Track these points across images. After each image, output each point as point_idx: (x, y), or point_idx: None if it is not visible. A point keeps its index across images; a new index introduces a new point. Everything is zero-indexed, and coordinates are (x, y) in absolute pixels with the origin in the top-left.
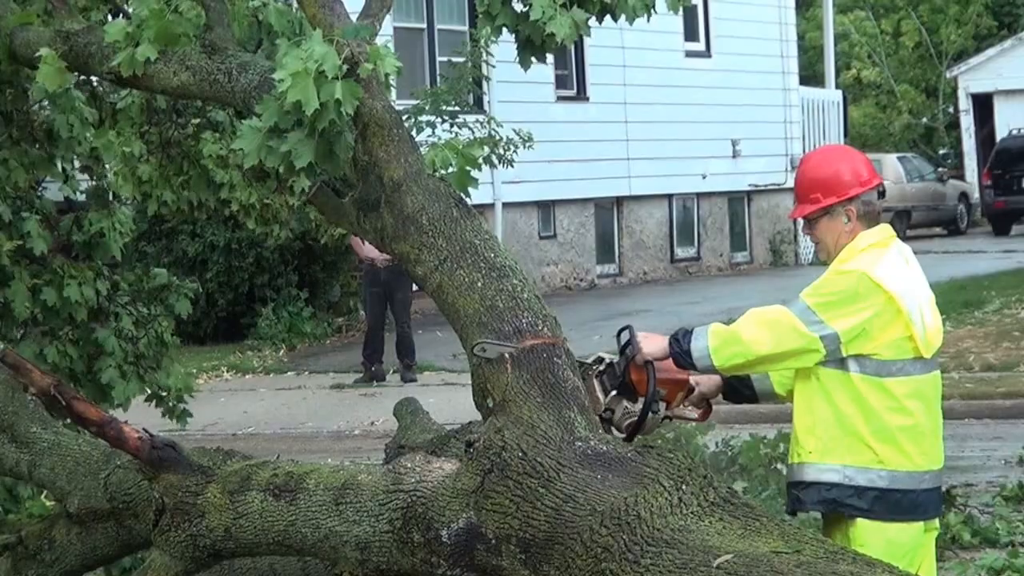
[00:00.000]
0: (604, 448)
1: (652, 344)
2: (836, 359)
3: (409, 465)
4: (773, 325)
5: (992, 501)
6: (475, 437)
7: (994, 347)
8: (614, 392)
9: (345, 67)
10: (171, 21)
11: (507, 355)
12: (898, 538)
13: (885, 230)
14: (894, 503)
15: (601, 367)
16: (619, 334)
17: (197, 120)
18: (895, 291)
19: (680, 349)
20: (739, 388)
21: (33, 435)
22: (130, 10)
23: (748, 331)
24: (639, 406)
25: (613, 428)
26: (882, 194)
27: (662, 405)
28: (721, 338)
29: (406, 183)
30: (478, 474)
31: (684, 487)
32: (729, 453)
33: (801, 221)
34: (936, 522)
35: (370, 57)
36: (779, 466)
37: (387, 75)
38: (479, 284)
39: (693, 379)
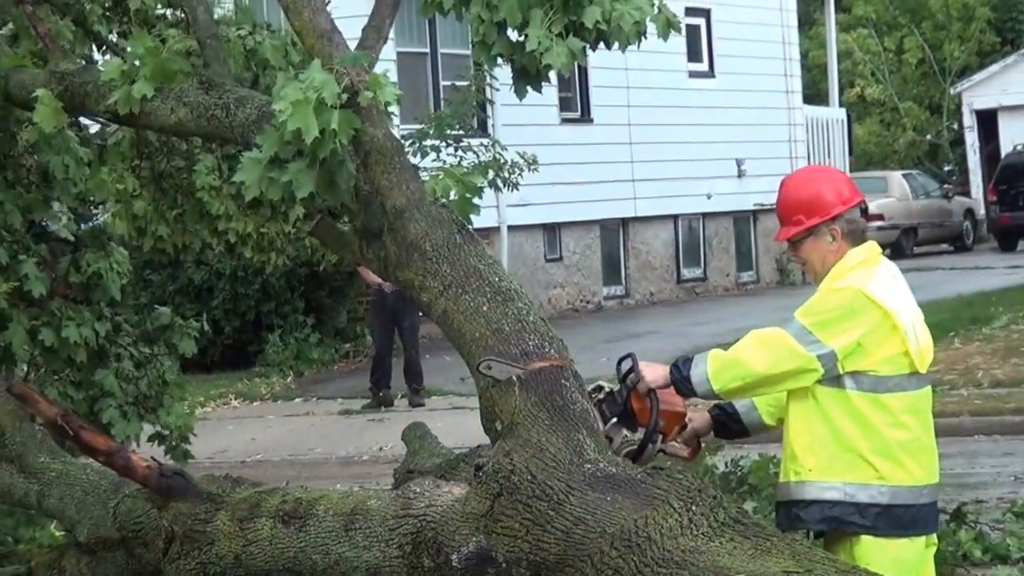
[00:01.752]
0: (613, 470)
1: (653, 372)
2: (832, 376)
3: (418, 490)
4: (770, 347)
5: (1003, 517)
6: (484, 461)
7: (1003, 363)
8: (614, 420)
9: (345, 96)
10: (167, 59)
11: (515, 377)
12: (902, 555)
13: (872, 247)
14: (896, 518)
15: (600, 395)
16: (620, 362)
17: (185, 148)
18: (890, 306)
19: (680, 376)
20: (728, 423)
21: (41, 465)
22: (113, 40)
23: (746, 354)
24: (639, 435)
25: None
26: (864, 211)
27: (660, 438)
28: (720, 362)
29: (409, 210)
30: (487, 498)
31: (694, 508)
32: (739, 473)
33: (786, 243)
34: (935, 537)
35: (370, 85)
36: None
37: (387, 104)
38: (484, 308)
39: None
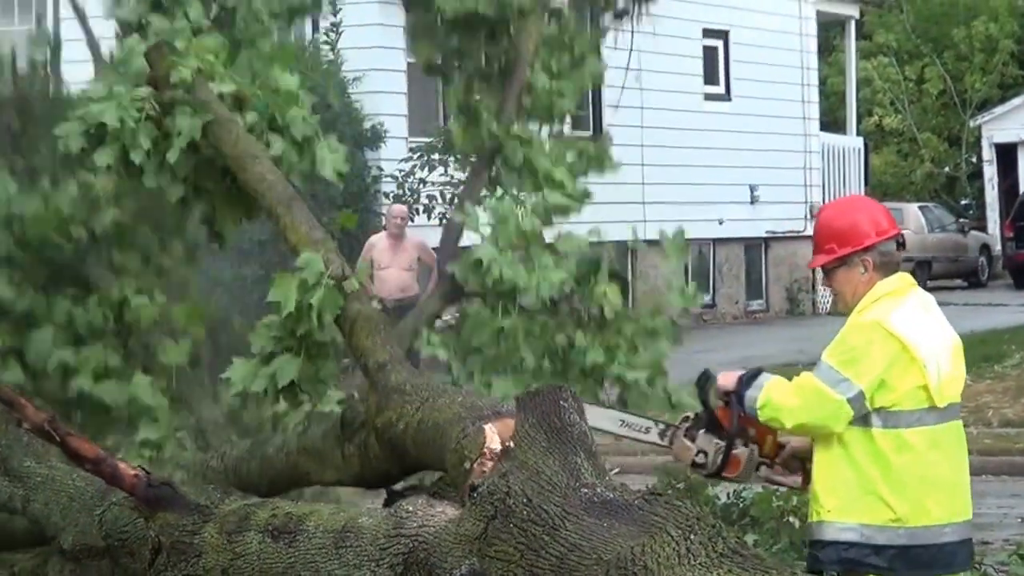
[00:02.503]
0: (610, 495)
1: (726, 379)
2: (860, 415)
3: (411, 509)
4: (803, 395)
5: (1008, 560)
6: (479, 482)
7: (1013, 402)
8: (702, 431)
9: (331, 281)
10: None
11: (494, 426)
12: None
13: (903, 279)
14: (914, 558)
15: (688, 423)
16: (699, 378)
17: None
18: (909, 340)
19: (741, 390)
20: None
21: (27, 469)
22: None
23: (789, 400)
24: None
25: (709, 473)
26: (901, 244)
27: (756, 448)
28: (769, 397)
29: (391, 363)
30: (481, 520)
31: (692, 537)
32: (740, 505)
33: (821, 271)
34: None
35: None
36: (791, 519)
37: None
38: (459, 399)
39: (783, 436)
